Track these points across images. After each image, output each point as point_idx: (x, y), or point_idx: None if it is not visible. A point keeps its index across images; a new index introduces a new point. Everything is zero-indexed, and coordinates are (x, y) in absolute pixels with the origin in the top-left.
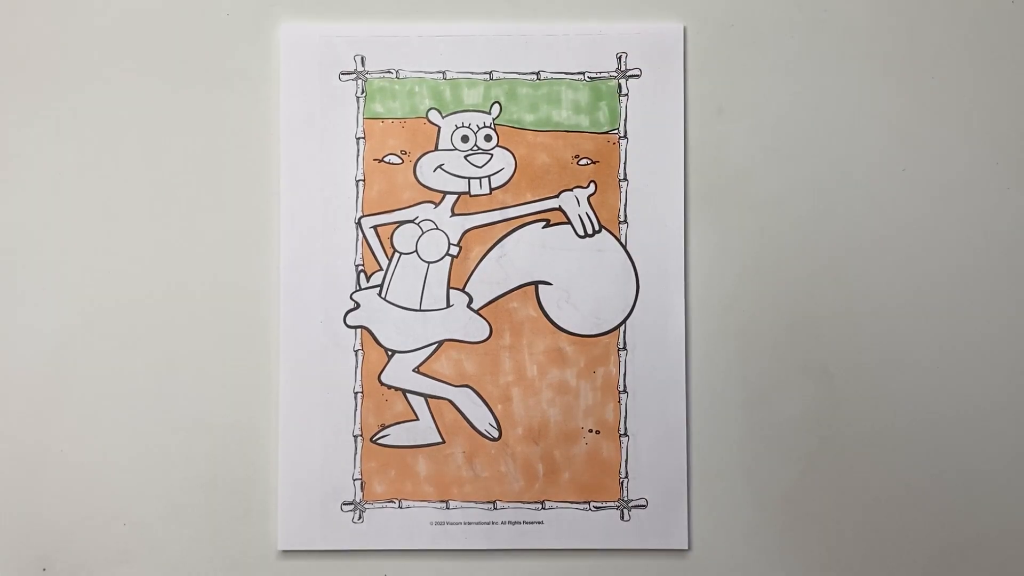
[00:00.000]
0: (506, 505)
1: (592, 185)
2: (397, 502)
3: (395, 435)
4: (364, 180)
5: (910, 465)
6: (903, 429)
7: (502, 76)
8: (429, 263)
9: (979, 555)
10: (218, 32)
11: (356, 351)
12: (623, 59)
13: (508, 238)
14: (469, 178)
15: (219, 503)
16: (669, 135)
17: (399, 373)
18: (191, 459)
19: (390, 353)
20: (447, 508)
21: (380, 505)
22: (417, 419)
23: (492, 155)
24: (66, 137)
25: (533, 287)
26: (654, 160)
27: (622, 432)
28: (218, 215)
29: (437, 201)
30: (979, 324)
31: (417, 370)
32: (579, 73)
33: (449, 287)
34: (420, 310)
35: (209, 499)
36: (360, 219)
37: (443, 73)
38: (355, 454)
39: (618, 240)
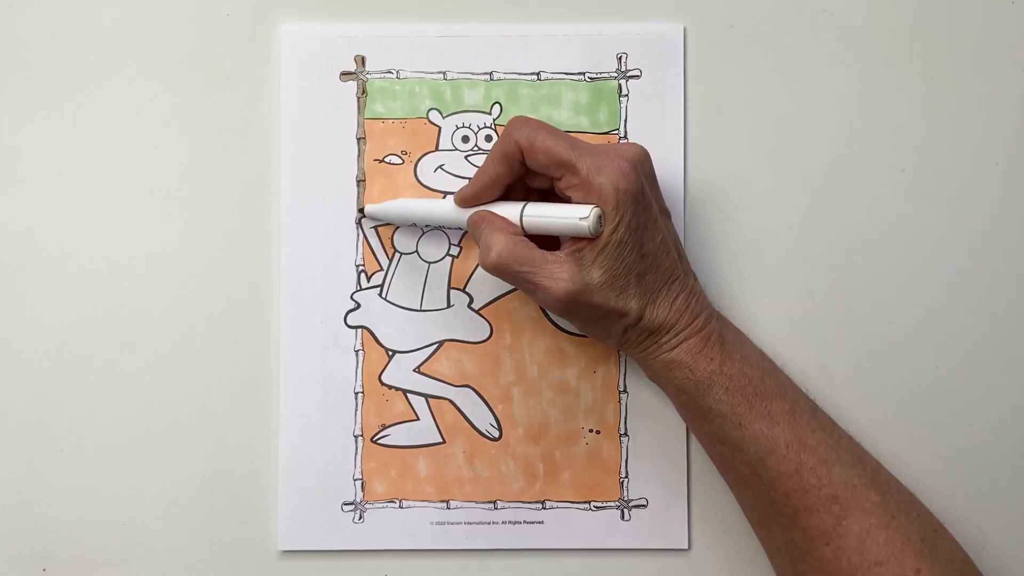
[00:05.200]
0: (507, 505)
1: None
2: (398, 502)
3: (395, 435)
4: (365, 180)
5: (910, 466)
6: (903, 430)
7: (502, 77)
8: (430, 263)
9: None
10: (218, 32)
11: (357, 351)
12: (623, 60)
13: None
14: (470, 178)
15: (219, 503)
16: (669, 135)
17: (400, 373)
18: (191, 459)
19: (391, 353)
20: (448, 508)
21: (381, 505)
22: (418, 419)
23: None
24: (66, 137)
25: None
26: (654, 160)
27: (622, 432)
28: (218, 215)
29: None
30: (979, 324)
31: (418, 370)
32: (579, 74)
33: (450, 287)
34: (421, 310)
35: (209, 499)
36: (361, 219)
37: (443, 73)
38: (355, 454)
39: None
